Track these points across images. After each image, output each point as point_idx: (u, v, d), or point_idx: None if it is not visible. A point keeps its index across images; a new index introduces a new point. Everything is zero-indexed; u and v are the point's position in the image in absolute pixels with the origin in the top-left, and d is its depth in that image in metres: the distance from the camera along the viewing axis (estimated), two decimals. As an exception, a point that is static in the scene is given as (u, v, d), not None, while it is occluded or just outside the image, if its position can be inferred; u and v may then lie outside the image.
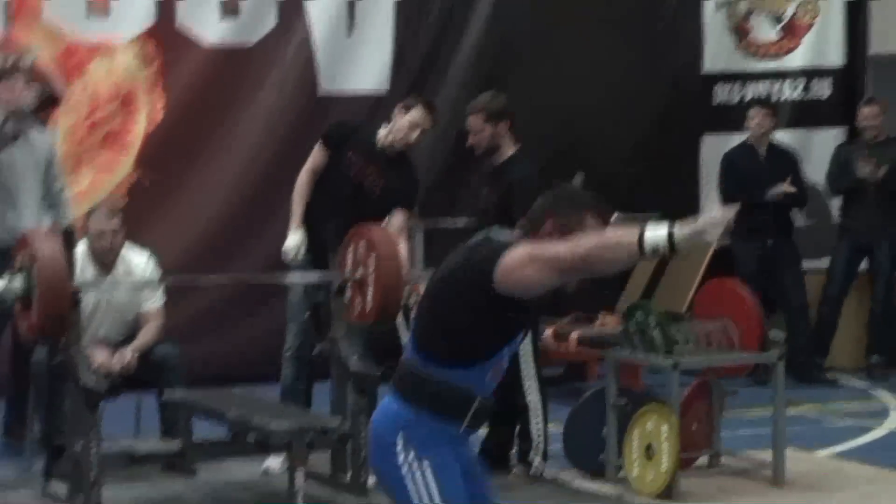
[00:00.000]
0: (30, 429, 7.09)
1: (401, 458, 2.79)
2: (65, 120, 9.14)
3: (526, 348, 6.74)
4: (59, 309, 5.99)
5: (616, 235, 2.70)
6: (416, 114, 6.84)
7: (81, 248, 6.72)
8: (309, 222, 6.97)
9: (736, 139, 10.06)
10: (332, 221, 6.63)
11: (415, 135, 6.85)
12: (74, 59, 9.34)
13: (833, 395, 9.35)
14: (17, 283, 5.95)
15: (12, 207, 7.24)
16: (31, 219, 7.19)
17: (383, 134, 6.83)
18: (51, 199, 7.48)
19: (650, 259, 2.94)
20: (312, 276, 6.89)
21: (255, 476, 6.87)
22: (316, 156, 6.99)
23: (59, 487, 6.36)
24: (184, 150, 9.45)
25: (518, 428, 7.03)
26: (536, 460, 6.92)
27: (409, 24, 10.08)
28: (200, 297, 8.97)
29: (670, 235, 2.45)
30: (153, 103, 9.51)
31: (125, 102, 9.38)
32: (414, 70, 10.17)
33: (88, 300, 6.55)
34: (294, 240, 6.89)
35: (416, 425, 2.81)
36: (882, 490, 6.61)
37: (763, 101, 10.30)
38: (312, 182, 7.02)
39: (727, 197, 9.06)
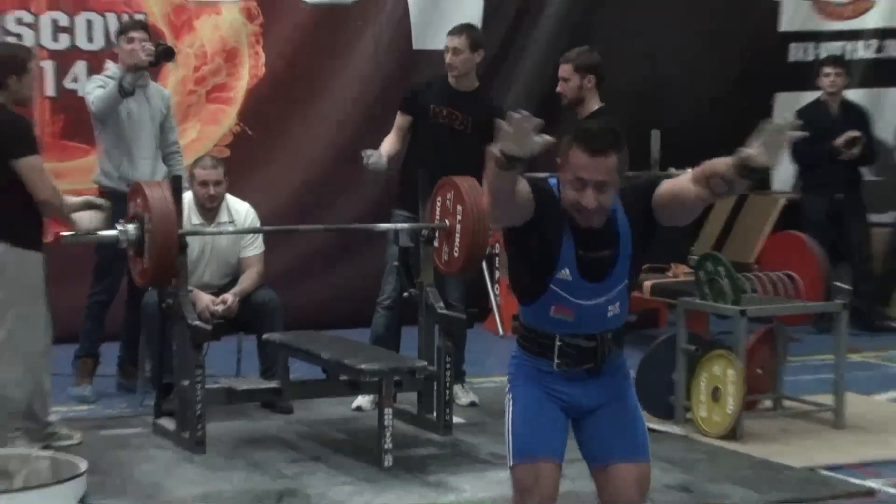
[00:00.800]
0: (141, 368, 7.50)
1: (507, 388, 3.29)
2: (174, 74, 9.31)
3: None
4: (168, 256, 6.20)
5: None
6: (448, 40, 7.15)
7: (187, 197, 6.96)
8: (409, 176, 7.09)
9: (809, 97, 9.99)
10: (431, 169, 6.77)
11: (453, 58, 6.98)
12: (184, 16, 9.57)
13: (894, 343, 9.39)
14: (131, 230, 6.21)
15: (129, 158, 7.47)
16: (146, 169, 7.45)
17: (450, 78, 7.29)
18: (165, 150, 7.75)
19: (509, 168, 2.81)
20: (403, 225, 7.03)
21: (346, 414, 7.14)
22: (398, 121, 7.23)
23: (167, 423, 6.70)
24: (283, 104, 9.71)
25: None
26: None
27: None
28: (297, 246, 9.17)
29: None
30: (255, 59, 9.78)
31: (229, 58, 9.55)
32: (504, 26, 10.26)
33: (194, 247, 6.77)
34: (372, 157, 6.85)
35: (514, 361, 3.23)
36: (938, 433, 7.57)
37: (836, 60, 9.99)
38: (399, 139, 7.15)
39: (798, 152, 8.56)
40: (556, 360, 3.14)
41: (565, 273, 3.10)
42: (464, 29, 7.46)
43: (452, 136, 7.17)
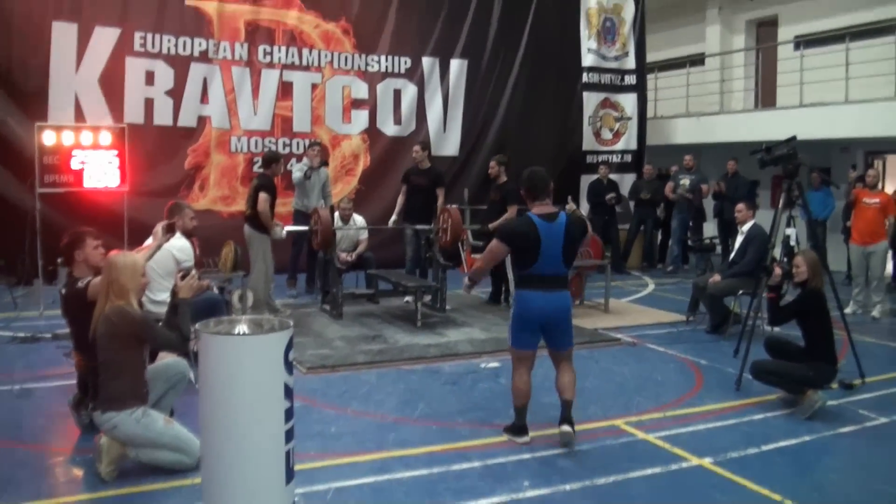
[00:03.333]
0: (316, 284, 10.91)
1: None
2: (332, 164, 13.48)
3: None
4: (328, 238, 9.51)
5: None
6: (415, 149, 11.04)
7: (336, 214, 10.80)
8: (409, 207, 10.76)
9: (593, 177, 15.26)
10: (416, 206, 10.61)
11: (419, 154, 10.93)
12: (336, 140, 14.02)
13: (627, 279, 13.79)
14: (312, 226, 9.71)
15: (308, 198, 11.19)
16: (315, 202, 11.02)
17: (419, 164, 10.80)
18: (324, 195, 11.30)
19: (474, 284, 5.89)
20: (424, 227, 10.40)
21: (402, 304, 10.50)
22: (402, 188, 11.03)
23: (327, 308, 9.92)
24: (375, 178, 14.15)
25: (504, 287, 10.60)
26: (511, 300, 8.46)
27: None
28: (379, 234, 12.14)
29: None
30: (365, 158, 14.18)
31: (354, 157, 13.96)
32: (470, 142, 14.99)
33: (339, 234, 10.40)
34: (392, 218, 10.88)
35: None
36: None
37: (605, 162, 15.77)
38: (403, 194, 10.93)
39: (590, 200, 14.84)
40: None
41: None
42: (422, 144, 11.23)
43: (422, 191, 10.69)
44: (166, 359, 5.43)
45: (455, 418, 6.10)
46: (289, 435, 3.69)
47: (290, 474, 3.72)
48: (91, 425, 5.38)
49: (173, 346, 4.99)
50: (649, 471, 5.14)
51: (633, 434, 5.85)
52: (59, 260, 9.22)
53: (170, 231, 6.33)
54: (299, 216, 10.89)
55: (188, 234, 7.11)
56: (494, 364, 7.57)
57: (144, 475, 4.89)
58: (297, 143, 13.70)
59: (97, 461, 4.85)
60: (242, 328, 3.81)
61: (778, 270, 6.58)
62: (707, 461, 5.31)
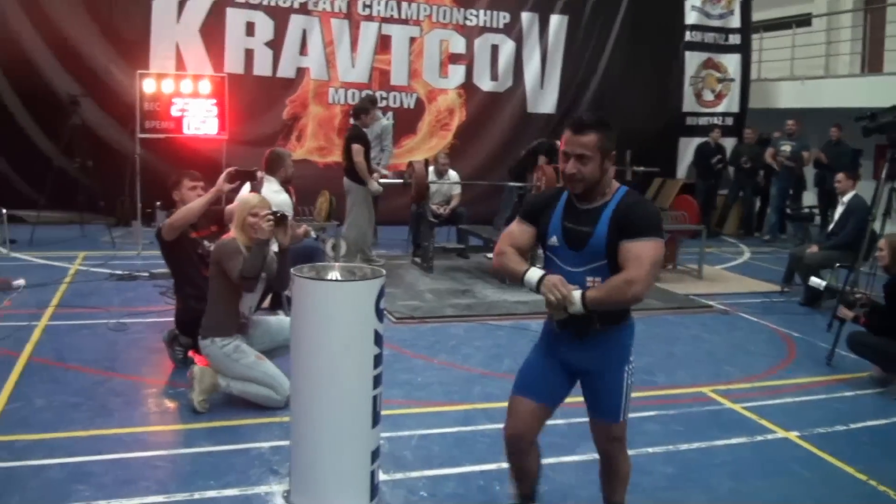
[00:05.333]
0: (412, 238, 10.89)
1: None
2: (427, 118, 13.81)
3: None
4: (422, 191, 9.64)
5: (514, 265, 3.38)
6: None
7: (431, 168, 10.52)
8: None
9: (698, 141, 15.18)
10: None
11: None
12: (433, 94, 14.05)
13: (722, 244, 13.54)
14: (407, 179, 9.67)
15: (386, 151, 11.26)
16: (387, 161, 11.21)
17: None
18: (381, 147, 11.16)
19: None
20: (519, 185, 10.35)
21: (484, 261, 10.35)
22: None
23: (418, 261, 10.03)
24: (471, 132, 14.18)
25: None
26: None
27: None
28: (471, 189, 12.32)
29: (539, 283, 3.22)
30: (461, 113, 14.14)
31: (450, 112, 13.97)
32: (567, 101, 14.82)
33: (433, 188, 10.41)
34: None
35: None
36: None
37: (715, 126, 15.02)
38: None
39: (698, 163, 14.33)
40: (556, 325, 3.35)
41: (554, 240, 3.32)
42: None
43: None
44: (282, 318, 5.59)
45: (541, 374, 6.05)
46: (377, 380, 3.78)
47: (376, 418, 3.82)
48: (185, 360, 5.65)
49: (248, 281, 5.10)
50: (734, 440, 5.12)
51: (721, 402, 5.82)
52: (157, 203, 9.72)
53: (246, 178, 6.37)
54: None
55: (287, 183, 7.16)
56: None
57: (235, 409, 5.11)
58: (395, 97, 13.84)
59: (190, 391, 5.09)
60: (335, 274, 3.90)
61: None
62: (793, 434, 5.24)
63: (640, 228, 3.17)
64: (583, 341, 3.34)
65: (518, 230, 3.47)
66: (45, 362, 5.94)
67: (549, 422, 4.88)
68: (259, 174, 6.73)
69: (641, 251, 3.15)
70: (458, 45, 14.11)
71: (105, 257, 9.77)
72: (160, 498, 4.03)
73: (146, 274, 8.72)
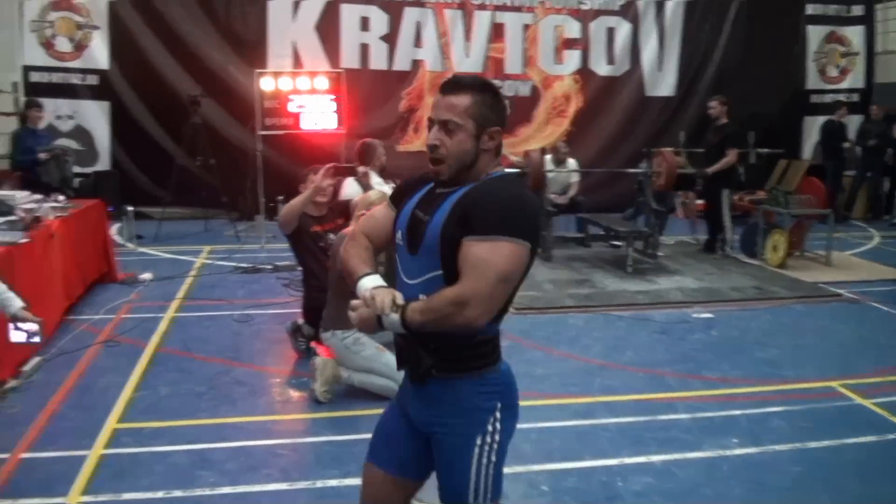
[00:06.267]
0: None
1: None
2: (543, 105, 13.78)
3: (725, 203, 9.70)
4: (540, 181, 9.58)
5: (353, 264, 2.48)
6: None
7: (548, 156, 10.61)
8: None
9: (821, 119, 14.24)
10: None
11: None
12: (549, 81, 13.90)
13: (850, 229, 12.93)
14: (525, 170, 9.53)
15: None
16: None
17: None
18: None
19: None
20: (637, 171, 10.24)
21: (612, 250, 10.46)
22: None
23: (537, 250, 10.56)
24: (588, 119, 14.00)
25: (720, 236, 10.03)
26: (727, 249, 10.03)
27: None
28: (588, 179, 11.96)
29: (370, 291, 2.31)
30: (578, 98, 13.97)
31: (566, 99, 13.83)
32: (687, 80, 14.33)
33: (550, 176, 10.38)
34: None
35: None
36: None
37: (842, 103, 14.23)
38: None
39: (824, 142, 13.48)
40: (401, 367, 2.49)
41: (399, 237, 2.47)
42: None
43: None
44: None
45: (663, 367, 6.01)
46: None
47: (496, 410, 3.76)
48: (308, 350, 5.78)
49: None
50: (864, 438, 4.87)
51: (851, 397, 5.56)
52: (279, 197, 9.91)
53: (347, 174, 6.46)
54: None
55: (383, 172, 7.23)
56: (706, 314, 7.45)
57: (357, 400, 5.17)
58: (510, 85, 13.73)
59: (313, 381, 5.20)
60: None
61: None
62: (930, 433, 4.83)
63: (488, 223, 2.25)
64: (421, 390, 2.47)
65: (380, 213, 2.64)
66: (171, 352, 6.15)
67: (672, 415, 4.93)
68: (361, 169, 6.79)
69: (485, 256, 2.24)
70: (572, 29, 13.91)
71: (229, 251, 10.06)
72: (283, 485, 4.11)
73: (270, 266, 8.95)
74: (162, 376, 5.59)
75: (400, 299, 2.30)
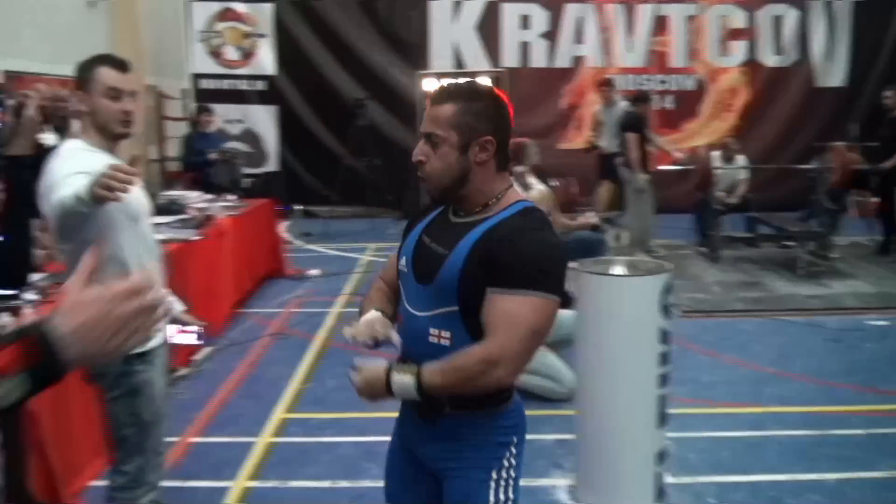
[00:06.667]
0: (697, 226, 10.25)
1: None
2: (709, 99, 13.36)
3: None
4: (707, 178, 9.50)
5: (365, 307, 2.30)
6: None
7: (716, 153, 10.19)
8: None
9: None
10: None
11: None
12: (715, 74, 13.46)
13: None
14: (688, 166, 9.61)
15: (601, 136, 10.63)
16: (607, 141, 10.42)
17: None
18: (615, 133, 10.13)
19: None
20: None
21: (783, 251, 9.45)
22: None
23: (703, 250, 9.54)
24: (755, 112, 13.40)
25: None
26: None
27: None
28: (758, 176, 10.94)
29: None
30: (745, 92, 13.45)
31: (732, 92, 13.34)
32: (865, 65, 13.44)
33: (717, 174, 9.94)
34: None
35: None
36: None
37: None
38: None
39: None
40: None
41: (403, 263, 2.28)
42: None
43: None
44: (567, 312, 5.56)
45: (837, 378, 5.72)
46: (663, 379, 3.68)
47: (662, 418, 3.72)
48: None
49: None
50: None
51: None
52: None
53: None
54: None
55: (538, 171, 7.13)
56: (882, 322, 7.01)
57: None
58: (674, 79, 13.51)
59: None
60: (620, 269, 3.82)
61: None
62: None
63: (518, 276, 2.04)
64: (431, 427, 2.26)
65: (391, 260, 2.46)
66: (339, 346, 6.26)
67: (845, 430, 4.72)
68: (518, 169, 6.76)
69: (515, 312, 2.03)
70: (738, 19, 13.43)
71: (393, 248, 10.05)
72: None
73: (433, 265, 8.91)
74: (330, 369, 5.74)
75: (384, 329, 2.21)
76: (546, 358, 5.12)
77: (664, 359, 3.66)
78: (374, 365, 2.11)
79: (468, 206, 2.19)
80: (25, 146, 2.02)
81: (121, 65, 2.82)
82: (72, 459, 3.97)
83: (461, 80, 2.19)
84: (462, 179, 2.15)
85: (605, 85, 10.78)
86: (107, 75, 2.81)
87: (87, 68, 2.83)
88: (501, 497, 2.20)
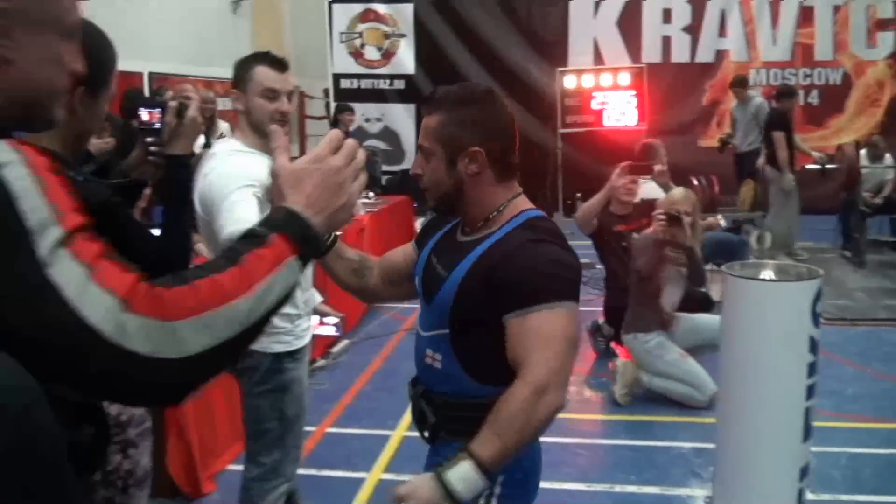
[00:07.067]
0: (841, 229, 9.98)
1: None
2: (855, 94, 12.73)
3: None
4: (854, 178, 9.09)
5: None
6: None
7: (863, 151, 9.92)
8: None
9: None
10: None
11: None
12: (861, 67, 12.85)
13: None
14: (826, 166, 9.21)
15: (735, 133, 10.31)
16: (741, 139, 10.17)
17: None
18: (751, 129, 9.97)
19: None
20: None
21: None
22: None
23: (847, 254, 9.24)
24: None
25: None
26: None
27: None
28: None
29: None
30: (893, 87, 12.77)
31: (879, 86, 12.70)
32: None
33: (864, 173, 9.51)
34: None
35: None
36: None
37: None
38: None
39: None
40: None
41: (417, 282, 2.22)
42: None
43: None
44: (708, 316, 5.40)
45: None
46: (810, 391, 3.52)
47: (807, 431, 3.56)
48: (607, 350, 5.81)
49: (643, 280, 5.17)
50: None
51: None
52: (577, 194, 9.99)
53: (642, 172, 6.30)
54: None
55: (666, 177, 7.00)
56: None
57: (656, 405, 5.11)
58: (819, 73, 12.97)
59: (612, 383, 5.19)
60: (769, 273, 3.68)
61: None
62: None
63: (525, 292, 1.88)
64: (436, 451, 2.18)
65: (401, 248, 2.37)
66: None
67: None
68: (657, 168, 6.61)
69: (541, 330, 1.86)
70: (886, 9, 12.75)
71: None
72: (580, 486, 4.13)
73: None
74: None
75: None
76: (686, 364, 5.05)
77: (812, 369, 3.50)
78: (419, 478, 1.87)
79: (470, 221, 2.08)
80: (187, 146, 2.09)
81: (279, 64, 2.79)
82: (210, 444, 4.10)
83: (452, 86, 2.04)
84: (457, 194, 2.03)
85: (737, 83, 10.46)
86: (264, 75, 2.79)
87: (245, 67, 2.81)
88: None
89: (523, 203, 2.06)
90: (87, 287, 0.99)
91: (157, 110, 2.11)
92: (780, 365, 3.45)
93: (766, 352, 3.46)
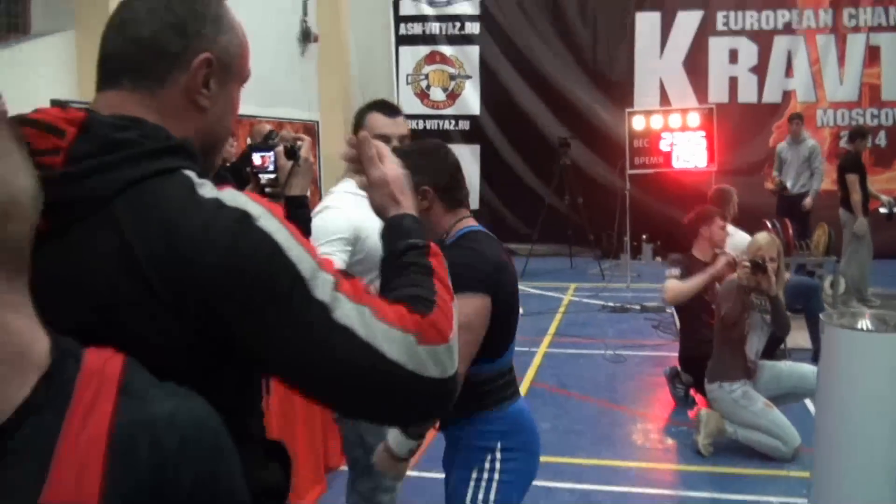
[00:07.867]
0: None
1: None
2: None
3: None
4: None
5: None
6: None
7: None
8: None
9: None
10: None
11: None
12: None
13: None
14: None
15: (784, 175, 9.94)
16: (792, 181, 9.87)
17: None
18: (809, 168, 9.82)
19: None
20: None
21: None
22: None
23: None
24: None
25: None
26: None
27: None
28: None
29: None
30: None
31: None
32: None
33: None
34: None
35: None
36: None
37: None
38: None
39: None
40: None
41: None
42: None
43: None
44: (805, 367, 5.25)
45: None
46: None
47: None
48: (686, 398, 5.69)
49: (728, 327, 5.05)
50: None
51: None
52: (643, 236, 9.90)
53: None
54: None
55: (735, 222, 6.84)
56: None
57: (740, 457, 4.95)
58: (887, 114, 12.60)
59: (696, 433, 5.05)
60: (866, 322, 3.57)
61: None
62: None
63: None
64: (445, 434, 2.65)
65: None
66: (545, 387, 6.33)
67: None
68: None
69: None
70: (953, 47, 12.16)
71: (595, 289, 10.14)
72: (665, 539, 3.91)
73: (637, 307, 8.91)
74: (540, 410, 5.64)
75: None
76: (772, 414, 4.91)
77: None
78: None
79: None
80: (304, 187, 2.15)
81: (390, 109, 2.94)
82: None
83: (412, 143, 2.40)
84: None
85: (796, 119, 10.14)
86: (376, 121, 2.90)
87: (361, 114, 2.97)
88: (480, 497, 2.38)
89: (467, 222, 2.49)
90: (375, 324, 1.08)
91: (270, 154, 2.22)
92: (877, 420, 3.34)
93: (863, 406, 3.37)
